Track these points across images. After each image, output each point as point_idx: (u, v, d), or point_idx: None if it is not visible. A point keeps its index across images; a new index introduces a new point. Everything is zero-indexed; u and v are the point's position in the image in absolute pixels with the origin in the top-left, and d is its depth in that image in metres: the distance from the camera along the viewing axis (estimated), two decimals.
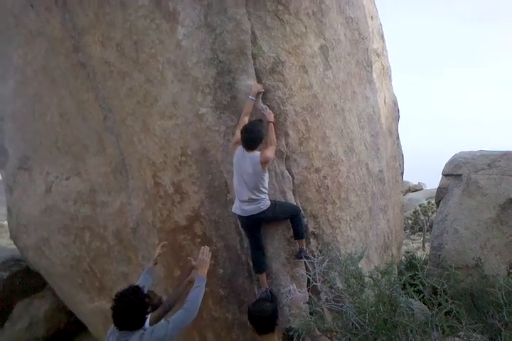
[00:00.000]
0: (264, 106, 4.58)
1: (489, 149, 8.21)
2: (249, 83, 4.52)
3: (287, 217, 4.57)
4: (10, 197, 8.24)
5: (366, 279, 4.43)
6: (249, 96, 4.40)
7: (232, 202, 4.67)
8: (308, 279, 4.63)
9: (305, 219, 4.84)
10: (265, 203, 4.35)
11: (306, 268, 4.70)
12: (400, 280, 4.07)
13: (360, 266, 4.58)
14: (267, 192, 4.38)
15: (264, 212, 4.35)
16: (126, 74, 5.13)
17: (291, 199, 4.73)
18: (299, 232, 4.63)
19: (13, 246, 9.57)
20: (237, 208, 4.43)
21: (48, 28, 6.10)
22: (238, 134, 4.36)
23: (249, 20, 4.55)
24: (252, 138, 4.27)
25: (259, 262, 4.57)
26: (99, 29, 5.26)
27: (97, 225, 6.24)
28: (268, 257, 4.64)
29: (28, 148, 7.28)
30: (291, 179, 4.79)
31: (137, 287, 3.31)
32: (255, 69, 4.60)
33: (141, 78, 4.99)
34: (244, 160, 4.30)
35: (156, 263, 4.31)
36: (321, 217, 5.03)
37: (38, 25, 6.31)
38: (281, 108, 4.70)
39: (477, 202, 7.39)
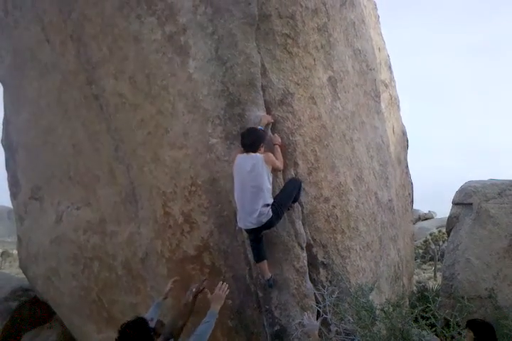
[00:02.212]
0: (274, 135, 4.64)
1: (499, 178, 8.19)
2: (258, 114, 4.60)
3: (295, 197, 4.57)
4: (21, 226, 8.27)
5: (377, 312, 4.37)
6: (259, 127, 4.46)
7: (241, 231, 4.67)
8: (318, 311, 4.57)
9: (314, 249, 4.82)
10: (268, 213, 4.21)
11: (316, 300, 4.65)
12: (412, 312, 4.00)
13: (371, 297, 4.52)
14: (270, 196, 4.28)
15: (270, 221, 4.26)
16: (138, 106, 5.23)
17: (300, 228, 4.72)
18: (296, 198, 4.64)
19: (22, 276, 9.54)
20: (244, 222, 4.33)
21: (63, 62, 6.27)
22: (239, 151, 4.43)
23: (259, 53, 4.68)
24: (250, 140, 4.30)
25: (259, 250, 4.53)
26: (113, 62, 5.40)
27: (106, 255, 6.23)
28: (277, 288, 4.61)
29: (40, 179, 7.36)
30: (300, 208, 4.80)
31: (143, 319, 3.25)
32: (265, 101, 4.70)
33: (153, 110, 5.09)
34: (244, 162, 4.29)
35: (166, 298, 4.26)
36: (331, 246, 5.01)
37: (52, 58, 6.49)
38: (291, 138, 4.77)
39: (488, 231, 7.33)
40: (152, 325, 3.32)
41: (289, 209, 4.67)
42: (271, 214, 4.23)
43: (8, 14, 7.29)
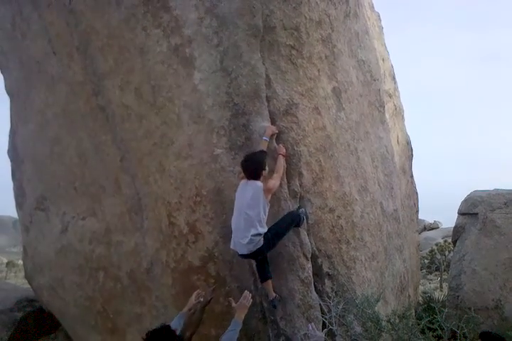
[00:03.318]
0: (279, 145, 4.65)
1: (505, 188, 8.16)
2: (263, 125, 4.62)
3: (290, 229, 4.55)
4: (26, 236, 8.29)
5: (384, 323, 4.34)
6: (264, 137, 4.48)
7: None
8: (324, 322, 4.55)
9: (319, 259, 4.81)
10: (259, 242, 4.18)
11: (322, 311, 4.62)
12: (419, 324, 3.98)
13: (376, 308, 4.50)
14: (264, 226, 4.25)
15: (260, 249, 4.23)
16: (143, 116, 5.27)
17: (305, 238, 4.72)
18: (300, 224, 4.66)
19: (28, 286, 9.53)
20: (235, 244, 4.33)
21: (69, 73, 6.34)
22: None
23: (264, 64, 4.72)
24: (252, 168, 4.28)
25: (263, 271, 4.52)
26: (119, 74, 5.46)
27: (111, 265, 6.23)
28: (282, 298, 4.59)
29: (46, 189, 7.40)
30: (305, 219, 4.80)
31: (169, 327, 3.25)
32: (269, 111, 4.73)
33: (158, 120, 5.12)
34: (245, 189, 4.28)
35: (190, 309, 4.20)
36: (336, 257, 5.00)
37: (59, 70, 6.56)
38: (295, 149, 4.78)
39: (494, 241, 7.29)
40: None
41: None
42: (261, 243, 4.21)
43: (16, 27, 7.38)
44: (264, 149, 4.48)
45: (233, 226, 4.35)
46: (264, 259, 4.52)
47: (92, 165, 6.33)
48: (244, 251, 4.24)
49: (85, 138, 6.35)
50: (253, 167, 4.29)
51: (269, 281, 4.53)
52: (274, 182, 4.32)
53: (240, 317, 3.68)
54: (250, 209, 4.20)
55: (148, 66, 5.12)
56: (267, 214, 4.32)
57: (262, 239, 4.21)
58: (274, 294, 4.53)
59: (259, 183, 4.26)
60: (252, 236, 4.15)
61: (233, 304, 3.88)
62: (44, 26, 6.65)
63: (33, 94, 7.30)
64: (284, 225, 4.46)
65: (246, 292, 3.90)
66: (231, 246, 4.42)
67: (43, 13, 6.60)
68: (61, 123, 6.75)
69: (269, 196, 4.32)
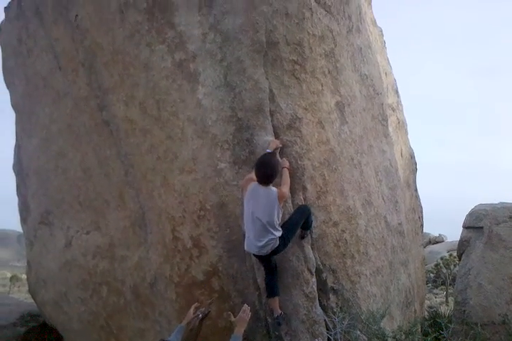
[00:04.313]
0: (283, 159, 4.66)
1: (509, 201, 8.11)
2: (267, 139, 4.64)
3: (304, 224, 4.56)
4: (30, 251, 8.29)
5: (390, 339, 4.29)
6: (267, 150, 4.49)
7: (250, 255, 4.65)
8: (329, 338, 4.50)
9: (324, 274, 4.78)
10: (275, 243, 4.24)
11: (326, 326, 4.58)
12: (425, 340, 3.93)
13: (382, 324, 4.45)
14: (279, 229, 4.28)
15: (276, 249, 4.29)
16: (147, 131, 5.30)
17: (310, 253, 4.70)
18: (309, 224, 4.64)
19: (31, 301, 9.51)
20: (250, 247, 4.34)
21: (74, 88, 6.40)
22: (251, 175, 4.38)
23: (267, 79, 4.76)
24: (269, 173, 4.21)
25: (272, 286, 4.49)
26: (124, 89, 5.51)
27: (114, 280, 6.21)
28: (287, 314, 4.55)
29: (50, 203, 7.41)
30: (309, 233, 4.78)
31: None
32: (273, 126, 4.75)
33: (162, 135, 5.15)
34: (258, 196, 4.24)
35: (189, 323, 4.18)
36: (340, 271, 4.97)
37: (64, 85, 6.63)
38: (299, 163, 4.79)
39: (500, 255, 7.22)
40: None
41: (303, 238, 4.69)
42: (278, 243, 4.26)
43: (22, 43, 7.49)
44: None
45: (247, 231, 4.35)
46: (273, 270, 4.51)
47: (97, 179, 6.35)
48: (262, 253, 4.28)
49: (90, 153, 6.38)
50: (269, 172, 4.22)
51: (277, 298, 4.52)
52: (286, 190, 4.35)
53: (239, 331, 3.63)
54: (266, 216, 4.19)
55: (152, 81, 5.17)
56: (280, 218, 4.33)
57: (278, 239, 4.25)
58: (280, 311, 4.49)
59: (274, 189, 4.25)
60: (268, 240, 4.19)
61: (232, 318, 3.84)
62: (50, 42, 6.75)
63: (38, 109, 7.37)
64: (295, 221, 4.48)
65: (245, 305, 3.86)
66: (245, 248, 4.43)
67: (49, 29, 6.71)
68: (66, 137, 6.79)
69: (282, 202, 4.32)
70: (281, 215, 4.34)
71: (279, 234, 4.26)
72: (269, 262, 4.47)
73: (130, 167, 5.65)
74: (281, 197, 4.25)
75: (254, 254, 4.44)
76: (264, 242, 4.19)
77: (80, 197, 6.71)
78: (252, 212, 4.26)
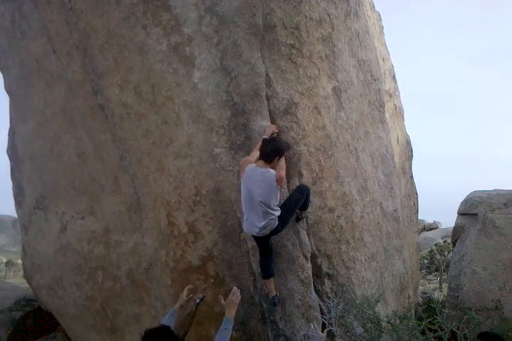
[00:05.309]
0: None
1: (505, 188, 8.14)
2: (263, 124, 4.60)
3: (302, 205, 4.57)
4: (25, 236, 8.29)
5: (384, 324, 4.32)
6: (264, 136, 4.45)
7: (245, 241, 4.65)
8: (323, 322, 4.53)
9: (319, 259, 4.80)
10: (274, 223, 4.24)
11: (321, 311, 4.60)
12: (419, 325, 3.96)
13: (376, 309, 4.48)
14: (277, 209, 4.27)
15: (276, 229, 4.28)
16: (142, 115, 5.25)
17: (305, 238, 4.70)
18: (306, 205, 4.64)
19: (27, 285, 9.54)
20: (250, 228, 4.33)
21: (69, 72, 6.32)
22: (248, 157, 4.38)
23: (264, 63, 4.70)
24: (276, 147, 4.22)
25: (268, 268, 4.50)
26: (118, 73, 5.43)
27: (110, 265, 6.22)
28: (282, 298, 4.57)
29: (45, 188, 7.38)
30: (304, 218, 4.78)
31: (169, 328, 3.20)
32: (269, 111, 4.71)
33: (158, 119, 5.10)
34: (256, 177, 4.22)
35: (181, 306, 4.19)
36: (336, 257, 4.98)
37: (58, 69, 6.54)
38: (295, 148, 4.76)
39: (494, 242, 7.28)
40: None
41: (299, 220, 4.69)
42: (277, 223, 4.25)
43: (15, 25, 7.37)
44: None
45: (246, 212, 4.33)
46: (268, 252, 4.51)
47: (91, 164, 6.31)
48: (260, 234, 4.27)
49: (84, 137, 6.33)
50: (276, 146, 4.24)
51: (272, 279, 4.52)
52: (283, 174, 4.32)
53: (230, 313, 3.63)
54: (264, 196, 4.17)
55: (147, 65, 5.10)
56: (278, 200, 4.32)
57: (277, 218, 4.25)
58: (275, 292, 4.51)
59: (272, 171, 4.22)
60: (268, 220, 4.20)
61: (222, 302, 3.84)
62: (44, 24, 6.64)
63: (32, 93, 7.29)
64: (294, 201, 4.48)
65: (235, 288, 3.86)
66: (244, 230, 4.44)
67: (43, 11, 6.59)
68: (60, 122, 6.73)
69: (280, 184, 4.30)
70: (279, 197, 4.33)
71: (278, 213, 4.25)
72: (266, 244, 4.46)
73: (125, 152, 5.61)
74: (279, 180, 4.23)
75: (253, 236, 4.42)
76: (264, 222, 4.18)
77: (74, 182, 6.68)
78: (250, 192, 4.24)
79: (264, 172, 4.18)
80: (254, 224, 4.24)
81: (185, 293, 4.16)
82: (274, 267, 4.54)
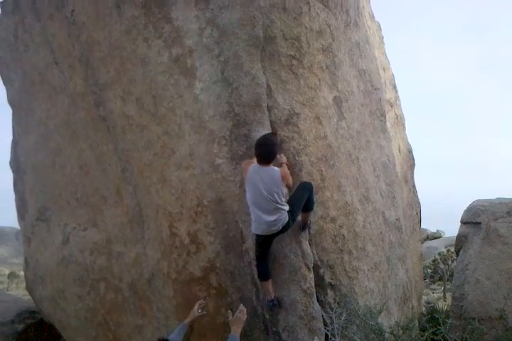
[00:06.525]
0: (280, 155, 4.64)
1: (507, 196, 8.10)
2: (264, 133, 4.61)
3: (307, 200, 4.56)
4: (27, 248, 8.28)
5: (387, 335, 4.28)
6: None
7: (248, 251, 4.64)
8: (326, 333, 4.49)
9: (321, 269, 4.78)
10: (285, 218, 4.28)
11: (324, 322, 4.57)
12: (422, 335, 3.93)
13: (380, 320, 4.45)
14: (286, 205, 4.31)
15: (286, 224, 4.31)
16: (144, 127, 5.28)
17: (307, 248, 4.69)
18: (311, 204, 4.63)
19: (29, 297, 9.49)
20: (260, 227, 4.32)
21: (71, 84, 6.37)
22: (249, 160, 4.42)
23: (265, 74, 4.73)
24: (267, 151, 4.24)
25: (264, 270, 4.50)
26: (120, 84, 5.47)
27: (112, 276, 6.20)
28: (284, 309, 4.55)
29: (47, 200, 7.39)
30: (306, 228, 4.77)
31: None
32: (270, 121, 4.73)
33: (159, 131, 5.13)
34: (261, 175, 4.23)
35: (192, 321, 4.16)
36: (338, 267, 4.96)
37: (61, 81, 6.59)
38: (297, 158, 4.78)
39: (498, 251, 7.22)
40: None
41: (306, 226, 4.71)
42: (288, 218, 4.29)
43: (18, 38, 7.44)
44: None
45: (255, 210, 4.31)
46: (265, 255, 4.51)
47: (94, 175, 6.33)
48: (273, 231, 4.29)
49: (87, 149, 6.36)
50: (268, 150, 4.25)
51: (269, 281, 4.52)
52: (286, 170, 4.39)
53: (236, 331, 3.61)
54: (271, 193, 4.20)
55: (149, 76, 5.14)
56: (284, 197, 4.36)
57: (287, 213, 4.29)
58: (274, 294, 4.50)
59: (276, 168, 4.26)
60: (279, 215, 4.23)
61: (229, 317, 3.83)
62: (46, 37, 6.70)
63: (34, 105, 7.34)
64: (299, 195, 4.51)
65: (241, 305, 3.84)
66: (253, 231, 4.43)
67: (46, 24, 6.66)
68: (63, 134, 6.76)
69: (285, 183, 4.34)
70: (285, 192, 4.37)
71: (287, 208, 4.30)
72: (269, 244, 4.47)
73: (127, 163, 5.63)
74: (284, 176, 4.27)
75: (260, 236, 4.40)
76: (275, 217, 4.20)
77: (77, 194, 6.69)
78: (257, 190, 4.23)
79: (268, 170, 4.23)
80: (264, 220, 4.24)
81: (196, 307, 4.15)
82: (270, 269, 4.55)
